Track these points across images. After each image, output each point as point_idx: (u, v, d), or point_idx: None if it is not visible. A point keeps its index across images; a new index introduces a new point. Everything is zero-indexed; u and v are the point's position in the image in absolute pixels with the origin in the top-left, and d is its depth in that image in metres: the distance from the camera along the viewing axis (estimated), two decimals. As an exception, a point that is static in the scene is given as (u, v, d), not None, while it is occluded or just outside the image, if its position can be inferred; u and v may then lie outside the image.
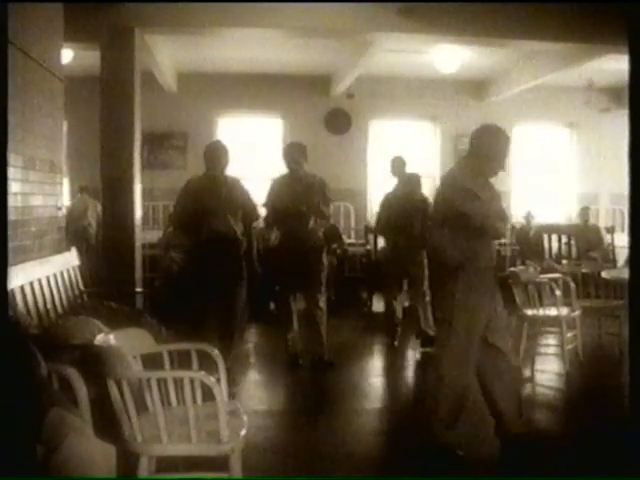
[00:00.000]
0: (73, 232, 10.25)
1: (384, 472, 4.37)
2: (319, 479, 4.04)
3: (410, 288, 7.88)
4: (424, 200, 7.69)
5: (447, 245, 4.42)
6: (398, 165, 8.94)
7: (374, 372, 7.39)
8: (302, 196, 6.63)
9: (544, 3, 7.96)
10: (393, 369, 7.37)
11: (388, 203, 7.90)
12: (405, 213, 7.55)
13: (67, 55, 8.23)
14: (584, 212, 12.49)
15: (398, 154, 8.30)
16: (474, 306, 4.36)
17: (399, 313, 7.93)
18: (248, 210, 6.29)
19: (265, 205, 6.87)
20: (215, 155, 6.15)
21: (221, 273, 5.99)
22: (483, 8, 7.97)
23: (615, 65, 11.17)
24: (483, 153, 4.46)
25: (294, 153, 6.78)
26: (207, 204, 6.06)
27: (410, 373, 7.31)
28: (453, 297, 4.37)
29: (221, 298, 6.10)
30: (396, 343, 7.80)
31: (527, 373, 6.48)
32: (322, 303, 6.79)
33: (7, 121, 3.18)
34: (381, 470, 4.41)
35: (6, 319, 3.17)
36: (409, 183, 7.84)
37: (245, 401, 5.10)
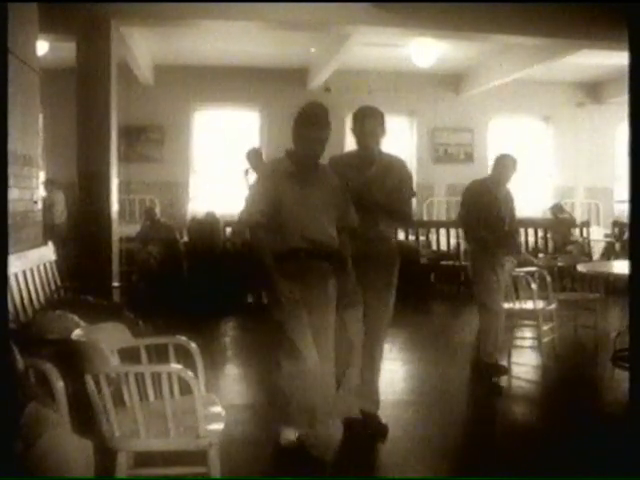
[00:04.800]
0: (48, 226, 10.24)
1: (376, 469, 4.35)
2: (306, 479, 4.01)
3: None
4: (509, 191, 6.52)
5: None
6: (254, 157, 8.60)
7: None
8: (374, 185, 4.54)
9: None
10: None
11: (470, 193, 6.31)
12: (496, 205, 6.22)
13: (42, 47, 8.16)
14: (555, 209, 12.49)
15: (253, 146, 7.71)
16: None
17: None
18: (344, 211, 4.33)
19: None
20: (314, 129, 4.34)
21: (323, 301, 4.13)
22: (460, 2, 8.00)
23: (591, 60, 11.27)
24: None
25: (368, 120, 4.63)
26: (296, 199, 4.13)
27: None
28: None
29: (321, 330, 4.11)
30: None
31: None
32: (384, 338, 4.74)
33: (7, 118, 3.16)
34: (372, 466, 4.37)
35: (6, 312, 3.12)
36: (504, 167, 6.39)
37: (223, 395, 5.06)
